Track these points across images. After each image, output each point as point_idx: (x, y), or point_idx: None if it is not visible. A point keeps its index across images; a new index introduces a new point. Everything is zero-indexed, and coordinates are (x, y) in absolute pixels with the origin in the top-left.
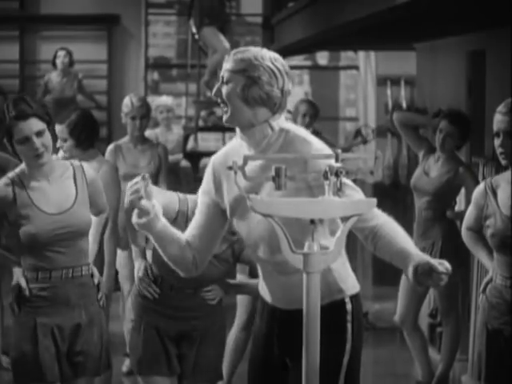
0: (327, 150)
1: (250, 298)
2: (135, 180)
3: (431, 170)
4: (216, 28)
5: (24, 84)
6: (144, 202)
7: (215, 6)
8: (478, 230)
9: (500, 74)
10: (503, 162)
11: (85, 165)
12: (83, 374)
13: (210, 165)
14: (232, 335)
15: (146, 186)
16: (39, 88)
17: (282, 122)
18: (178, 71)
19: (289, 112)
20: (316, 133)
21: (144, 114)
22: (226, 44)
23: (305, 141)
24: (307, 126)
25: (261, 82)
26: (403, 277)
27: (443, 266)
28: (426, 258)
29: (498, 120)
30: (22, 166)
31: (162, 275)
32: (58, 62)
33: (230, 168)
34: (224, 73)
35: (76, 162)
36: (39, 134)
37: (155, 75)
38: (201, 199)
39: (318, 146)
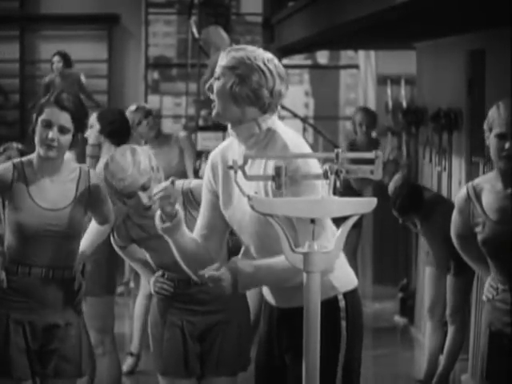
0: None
1: (259, 296)
2: (164, 185)
3: None
4: (220, 27)
5: (24, 83)
6: (170, 209)
7: (219, 4)
8: (467, 235)
9: (500, 73)
10: (504, 166)
11: (92, 171)
12: (62, 375)
13: (209, 162)
14: None
15: (174, 191)
16: (40, 87)
17: (272, 121)
18: (178, 70)
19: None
20: (376, 142)
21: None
22: (229, 42)
23: (284, 145)
24: (366, 135)
25: (249, 81)
26: (427, 269)
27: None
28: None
29: (507, 122)
30: (32, 155)
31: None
32: (54, 67)
33: (231, 167)
34: (217, 68)
35: (84, 167)
36: (62, 129)
37: (155, 75)
38: (205, 197)
39: (299, 149)
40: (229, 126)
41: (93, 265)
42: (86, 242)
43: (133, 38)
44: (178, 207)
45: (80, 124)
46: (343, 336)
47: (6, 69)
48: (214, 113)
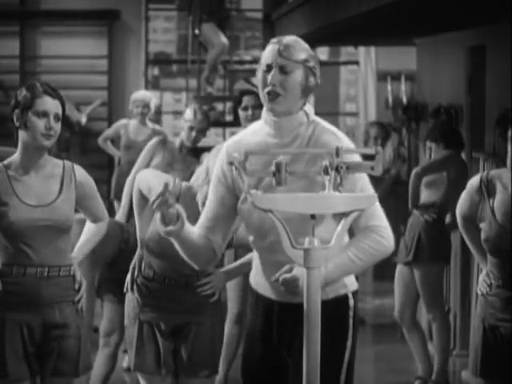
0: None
1: (240, 291)
2: (159, 191)
3: None
4: (215, 24)
5: (24, 79)
6: (172, 211)
7: (214, 2)
8: (472, 219)
9: (500, 69)
10: None
11: (77, 166)
12: (60, 374)
13: (224, 153)
14: (225, 330)
15: (172, 194)
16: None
17: (311, 111)
18: (178, 66)
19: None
20: (403, 157)
21: (202, 128)
22: (224, 40)
23: (334, 134)
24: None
25: (316, 72)
26: (397, 274)
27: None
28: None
29: None
30: (14, 157)
31: (154, 269)
32: None
33: (231, 163)
34: (281, 61)
35: (68, 163)
36: (56, 117)
37: (155, 71)
38: (214, 189)
39: (346, 140)
40: (268, 118)
41: None
42: (81, 241)
43: (133, 33)
44: (179, 207)
45: (64, 111)
46: (350, 335)
47: (6, 65)
48: (277, 107)
